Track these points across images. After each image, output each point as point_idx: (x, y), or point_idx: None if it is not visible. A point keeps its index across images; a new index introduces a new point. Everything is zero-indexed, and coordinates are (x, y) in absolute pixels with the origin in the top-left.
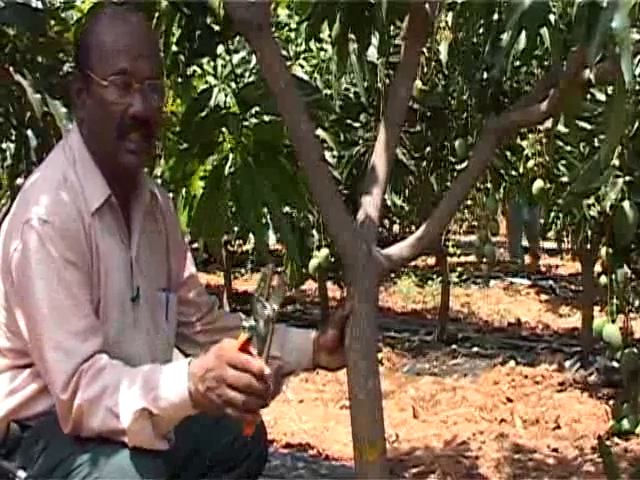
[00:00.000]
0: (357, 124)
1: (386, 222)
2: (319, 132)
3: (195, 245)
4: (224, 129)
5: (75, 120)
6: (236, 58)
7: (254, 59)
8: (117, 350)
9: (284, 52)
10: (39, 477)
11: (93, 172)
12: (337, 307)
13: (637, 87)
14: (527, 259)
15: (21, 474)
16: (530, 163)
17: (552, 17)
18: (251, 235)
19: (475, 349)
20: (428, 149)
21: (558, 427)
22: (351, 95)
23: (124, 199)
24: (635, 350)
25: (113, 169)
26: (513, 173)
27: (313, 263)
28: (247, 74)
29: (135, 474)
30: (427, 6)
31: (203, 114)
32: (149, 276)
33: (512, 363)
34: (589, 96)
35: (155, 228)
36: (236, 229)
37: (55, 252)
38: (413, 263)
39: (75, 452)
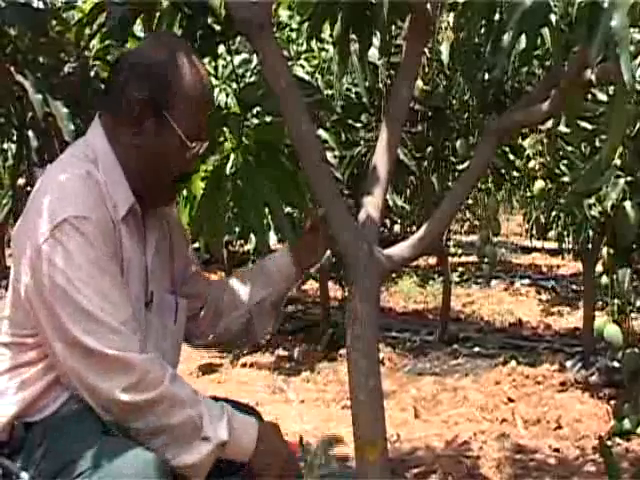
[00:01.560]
0: (358, 124)
1: (387, 222)
2: (320, 132)
3: (196, 245)
4: (225, 129)
5: (100, 120)
6: (237, 58)
7: (255, 59)
8: None
9: (285, 52)
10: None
11: (118, 178)
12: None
13: (638, 87)
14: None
15: (24, 475)
16: (531, 163)
17: (553, 17)
18: (252, 235)
19: (476, 349)
20: (429, 149)
21: (559, 427)
22: (352, 95)
23: (142, 209)
24: (636, 350)
25: (147, 195)
26: (514, 173)
27: None
28: (248, 74)
29: (141, 475)
30: (428, 6)
31: None
32: (160, 281)
33: (513, 363)
34: (590, 96)
35: (163, 233)
36: (237, 229)
37: (97, 246)
38: (414, 263)
39: (79, 455)
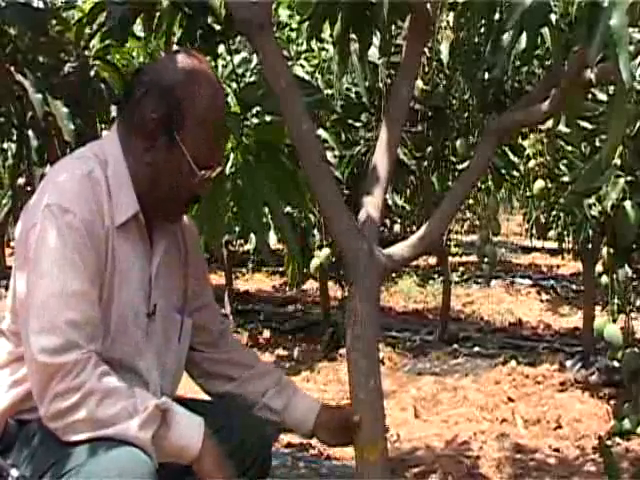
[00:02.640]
0: (358, 124)
1: (387, 222)
2: (320, 132)
3: None
4: None
5: (118, 133)
6: (237, 58)
7: (255, 59)
8: (124, 357)
9: (285, 52)
10: (30, 478)
11: (125, 184)
12: (347, 410)
13: (637, 86)
14: None
15: (14, 473)
16: (531, 163)
17: (553, 17)
18: (252, 235)
19: (476, 349)
20: (429, 149)
21: (559, 427)
22: (352, 95)
23: (150, 219)
24: (636, 350)
25: (151, 209)
26: (514, 173)
27: (314, 263)
28: (248, 74)
29: (129, 473)
30: (428, 6)
31: None
32: (166, 296)
33: (513, 363)
34: (590, 96)
35: (176, 250)
36: (237, 229)
37: (70, 241)
38: (414, 263)
39: (67, 454)
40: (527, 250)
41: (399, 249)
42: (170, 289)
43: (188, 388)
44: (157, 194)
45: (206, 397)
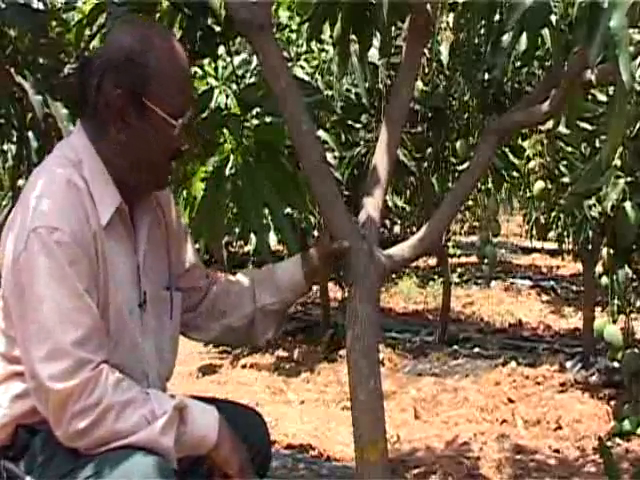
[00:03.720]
0: (358, 125)
1: (387, 223)
2: (320, 133)
3: (196, 246)
4: (225, 130)
5: (84, 129)
6: (237, 59)
7: (255, 60)
8: (127, 356)
9: (285, 53)
10: None
11: (103, 177)
12: (319, 240)
13: (638, 87)
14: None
15: (28, 479)
16: (531, 164)
17: (553, 18)
18: (252, 236)
19: (476, 350)
20: (429, 150)
21: (559, 428)
22: (352, 96)
23: (131, 203)
24: (636, 351)
25: (139, 184)
26: (514, 174)
27: None
28: (248, 75)
29: (144, 476)
30: (428, 7)
31: (204, 115)
32: (153, 278)
33: (513, 364)
34: (590, 97)
35: (157, 228)
36: (237, 230)
37: (62, 259)
38: (414, 264)
39: (82, 462)
40: (527, 251)
41: (399, 250)
42: (157, 271)
43: (187, 389)
44: (140, 169)
45: (206, 395)
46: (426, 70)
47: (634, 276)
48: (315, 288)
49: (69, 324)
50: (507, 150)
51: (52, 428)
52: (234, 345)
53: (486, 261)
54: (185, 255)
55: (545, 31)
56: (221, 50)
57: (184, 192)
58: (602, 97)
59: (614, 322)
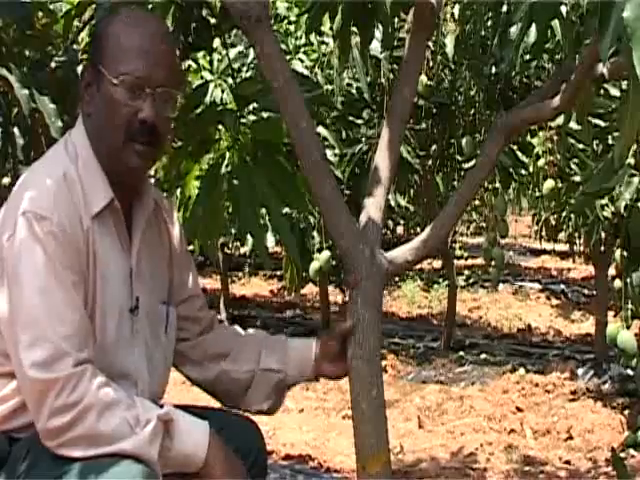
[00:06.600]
0: (360, 121)
1: (390, 223)
2: (320, 129)
3: (190, 247)
4: (220, 126)
5: (81, 115)
6: (233, 52)
7: (252, 53)
8: (113, 359)
9: (283, 46)
10: None
11: (96, 172)
12: (340, 317)
13: None
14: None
15: None
16: (541, 162)
17: (563, 9)
18: (249, 237)
19: (483, 356)
20: (434, 147)
21: (570, 438)
22: (353, 91)
23: (127, 205)
24: None
25: (117, 170)
26: (523, 172)
27: (314, 266)
28: (244, 69)
29: None
30: None
31: (198, 111)
32: (149, 288)
33: (522, 371)
34: (602, 92)
35: (158, 239)
36: (233, 231)
37: (49, 249)
38: (418, 266)
39: (66, 470)
40: (536, 253)
41: (402, 252)
42: (153, 282)
43: (180, 397)
44: (107, 138)
45: (199, 404)
46: (430, 64)
47: None
48: (315, 291)
49: (54, 316)
50: (515, 147)
51: (34, 422)
52: (224, 403)
53: (493, 263)
54: (188, 280)
55: (555, 22)
56: (216, 42)
57: (178, 191)
58: (615, 92)
59: (628, 327)
